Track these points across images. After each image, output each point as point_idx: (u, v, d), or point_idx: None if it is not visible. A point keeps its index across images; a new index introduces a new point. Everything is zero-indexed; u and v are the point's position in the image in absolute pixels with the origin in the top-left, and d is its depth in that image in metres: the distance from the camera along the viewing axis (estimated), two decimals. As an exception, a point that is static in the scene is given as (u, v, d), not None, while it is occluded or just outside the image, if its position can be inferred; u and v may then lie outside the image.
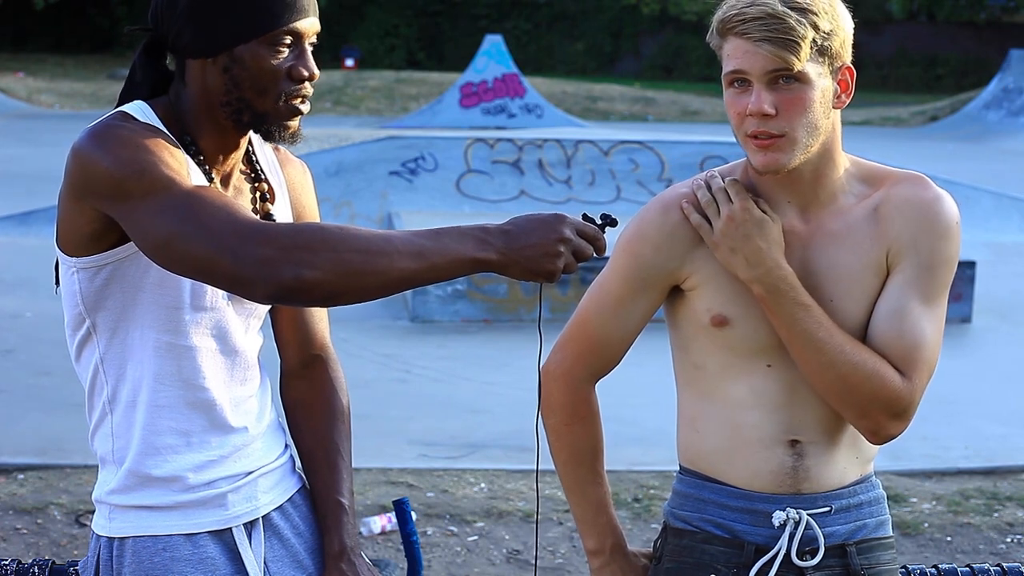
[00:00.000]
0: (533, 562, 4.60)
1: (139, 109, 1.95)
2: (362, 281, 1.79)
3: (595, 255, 1.88)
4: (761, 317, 2.12)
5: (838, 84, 2.08)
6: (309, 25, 1.96)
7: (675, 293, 2.20)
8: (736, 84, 2.06)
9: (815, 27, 2.01)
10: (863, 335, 2.12)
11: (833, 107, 2.08)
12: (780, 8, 2.01)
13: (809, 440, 2.16)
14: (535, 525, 2.25)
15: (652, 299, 2.19)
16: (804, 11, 2.01)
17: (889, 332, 2.09)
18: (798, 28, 2.00)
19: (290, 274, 1.76)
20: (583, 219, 1.88)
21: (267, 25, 1.92)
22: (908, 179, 2.17)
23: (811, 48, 2.02)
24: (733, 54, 2.04)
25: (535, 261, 1.82)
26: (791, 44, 2.00)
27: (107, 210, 1.86)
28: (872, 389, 2.07)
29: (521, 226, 1.83)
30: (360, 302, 1.83)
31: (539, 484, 2.27)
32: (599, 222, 1.89)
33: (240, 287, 1.81)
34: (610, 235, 1.92)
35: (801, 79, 2.03)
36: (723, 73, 2.07)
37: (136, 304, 1.96)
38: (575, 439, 2.26)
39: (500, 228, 1.83)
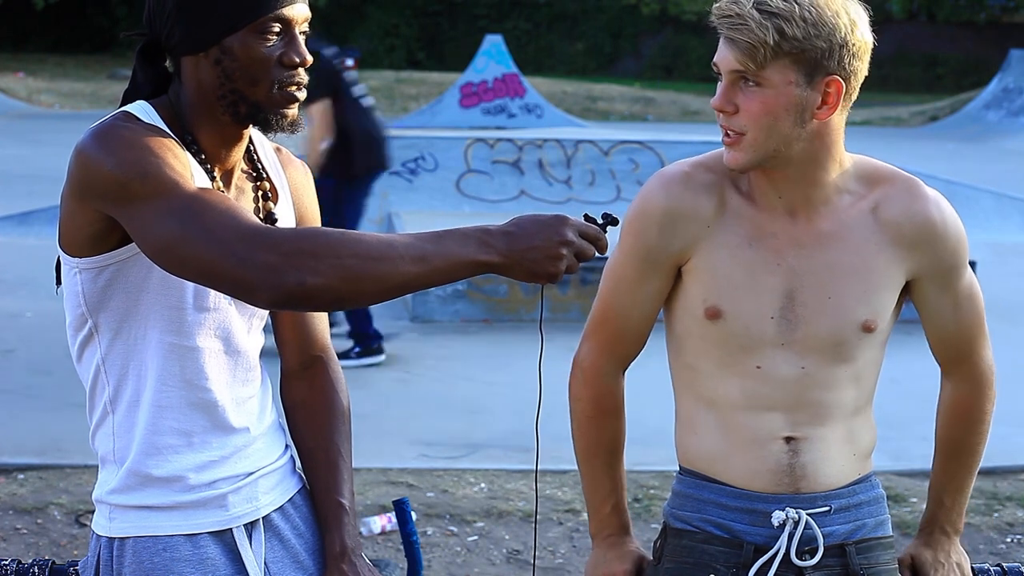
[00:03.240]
0: (533, 562, 4.59)
1: (142, 109, 1.96)
2: (365, 286, 1.79)
3: (596, 255, 1.88)
4: (752, 313, 2.13)
5: (822, 96, 2.03)
6: (297, 11, 1.95)
7: (674, 282, 2.21)
8: (720, 78, 2.08)
9: (780, 32, 1.98)
10: (862, 330, 2.15)
11: (814, 117, 2.05)
12: (747, 9, 1.99)
13: (804, 436, 2.17)
14: (534, 525, 2.25)
15: (662, 277, 2.19)
16: (772, 15, 1.98)
17: (952, 339, 2.26)
18: (758, 32, 1.98)
19: (293, 280, 1.76)
20: (584, 219, 1.88)
21: (254, 13, 1.91)
22: (901, 185, 2.18)
23: (775, 54, 1.99)
24: (718, 48, 2.06)
25: (537, 263, 1.82)
26: (748, 47, 1.99)
27: (110, 211, 1.86)
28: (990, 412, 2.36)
29: (523, 228, 1.83)
30: (363, 306, 1.83)
31: (539, 484, 2.26)
32: (600, 222, 1.90)
33: (243, 292, 1.80)
34: (611, 233, 1.92)
35: (762, 83, 2.01)
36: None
37: (139, 304, 1.96)
38: (597, 432, 2.29)
39: (502, 230, 1.83)
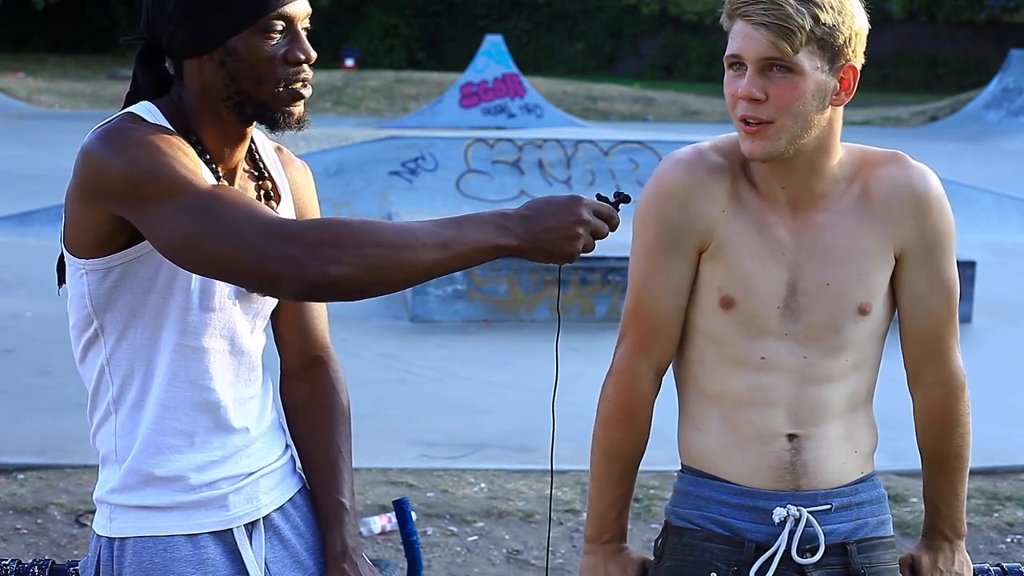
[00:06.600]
0: (534, 562, 4.60)
1: (146, 110, 1.95)
2: (388, 274, 1.80)
3: (610, 232, 1.90)
4: (761, 303, 2.14)
5: (839, 82, 2.08)
6: (299, 8, 1.95)
7: None
8: (734, 67, 2.08)
9: (815, 19, 2.02)
10: (858, 313, 2.16)
11: (831, 104, 2.09)
12: None
13: (806, 434, 2.18)
14: (548, 523, 2.25)
15: (688, 260, 2.18)
16: (806, 1, 2.02)
17: (922, 330, 2.22)
18: (796, 17, 2.01)
19: (317, 271, 1.77)
20: (597, 198, 1.91)
21: (257, 13, 1.91)
22: (887, 160, 2.21)
23: (808, 39, 2.02)
24: (735, 36, 2.07)
25: (555, 244, 1.84)
26: (786, 32, 2.01)
27: (121, 212, 1.86)
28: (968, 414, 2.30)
29: (539, 210, 1.84)
30: (386, 294, 1.84)
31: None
32: (612, 200, 1.92)
33: (266, 286, 1.81)
34: (625, 210, 1.94)
35: (794, 69, 2.04)
36: (724, 55, 2.09)
37: (145, 305, 1.96)
38: (622, 436, 2.26)
39: (519, 213, 1.84)
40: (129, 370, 1.99)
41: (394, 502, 2.29)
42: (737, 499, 2.19)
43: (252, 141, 2.09)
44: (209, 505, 2.02)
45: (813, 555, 2.16)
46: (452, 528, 4.90)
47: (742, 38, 2.05)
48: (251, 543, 2.05)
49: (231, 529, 2.03)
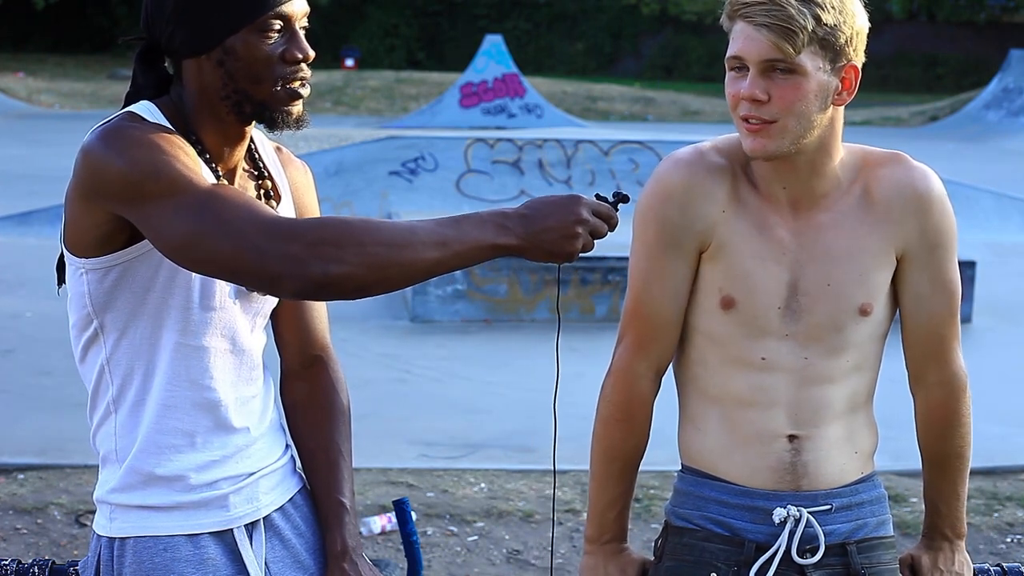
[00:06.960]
0: (534, 562, 4.60)
1: (146, 109, 1.95)
2: (389, 273, 1.80)
3: (609, 232, 1.91)
4: (762, 304, 2.14)
5: (840, 81, 2.08)
6: (297, 7, 1.95)
7: None
8: (736, 68, 2.09)
9: (816, 19, 2.02)
10: (859, 313, 2.16)
11: (833, 103, 2.09)
12: None
13: (806, 435, 2.18)
14: (551, 523, 2.25)
15: (688, 261, 2.18)
16: (808, 2, 2.02)
17: (923, 330, 2.23)
18: (797, 17, 2.01)
19: (318, 270, 1.77)
20: (596, 198, 1.91)
21: (254, 12, 1.91)
22: (888, 161, 2.21)
23: (810, 40, 2.02)
24: (736, 38, 2.07)
25: (555, 243, 1.84)
26: (788, 33, 2.01)
27: (122, 212, 1.86)
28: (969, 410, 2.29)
29: (539, 209, 1.85)
30: (387, 292, 1.85)
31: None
32: (611, 200, 1.93)
33: (267, 285, 1.81)
34: (625, 210, 1.95)
35: (796, 70, 2.04)
36: (726, 56, 2.09)
37: (146, 304, 1.96)
38: (621, 437, 2.26)
39: (518, 212, 1.85)
40: (129, 369, 1.99)
41: (394, 502, 2.29)
42: (737, 499, 2.19)
43: (252, 141, 2.09)
44: (209, 505, 2.02)
45: (813, 555, 2.17)
46: (452, 528, 4.90)
47: (744, 39, 2.05)
48: (251, 543, 2.05)
49: (231, 529, 2.03)
